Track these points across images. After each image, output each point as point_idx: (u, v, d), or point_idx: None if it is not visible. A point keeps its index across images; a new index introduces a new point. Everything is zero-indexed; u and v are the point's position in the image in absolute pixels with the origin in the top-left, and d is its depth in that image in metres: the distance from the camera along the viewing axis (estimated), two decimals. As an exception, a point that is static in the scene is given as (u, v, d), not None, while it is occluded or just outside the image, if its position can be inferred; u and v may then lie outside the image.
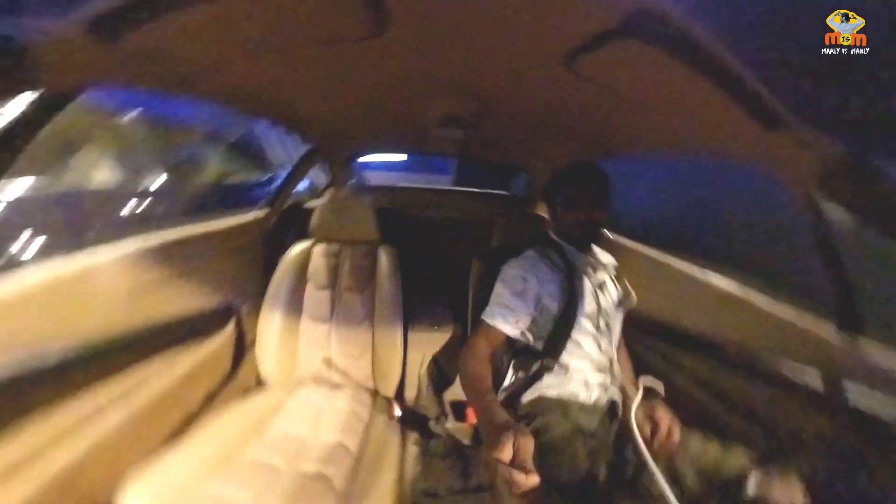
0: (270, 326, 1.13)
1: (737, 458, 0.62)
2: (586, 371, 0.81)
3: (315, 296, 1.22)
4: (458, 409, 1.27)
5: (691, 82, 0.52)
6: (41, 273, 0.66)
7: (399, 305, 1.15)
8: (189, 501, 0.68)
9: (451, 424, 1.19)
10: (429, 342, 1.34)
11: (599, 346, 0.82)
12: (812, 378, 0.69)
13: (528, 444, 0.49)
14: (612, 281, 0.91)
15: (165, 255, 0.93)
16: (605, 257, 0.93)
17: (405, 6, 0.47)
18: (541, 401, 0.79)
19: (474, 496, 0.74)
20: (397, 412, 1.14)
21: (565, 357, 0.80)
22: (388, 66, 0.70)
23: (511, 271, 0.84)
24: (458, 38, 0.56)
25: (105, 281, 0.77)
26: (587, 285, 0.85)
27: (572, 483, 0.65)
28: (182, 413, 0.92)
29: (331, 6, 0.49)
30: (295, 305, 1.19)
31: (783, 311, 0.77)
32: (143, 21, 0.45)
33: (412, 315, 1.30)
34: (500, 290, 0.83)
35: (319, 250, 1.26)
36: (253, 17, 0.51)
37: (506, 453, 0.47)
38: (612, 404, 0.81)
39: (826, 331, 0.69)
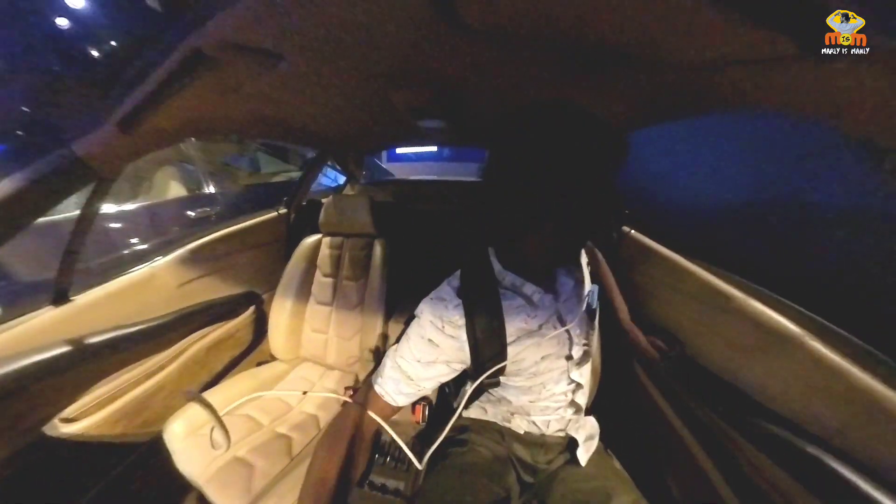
0: (282, 309, 1.32)
1: None
2: (531, 409, 0.69)
3: (321, 282, 1.38)
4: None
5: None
6: (124, 276, 0.99)
7: (383, 295, 1.24)
8: (201, 433, 0.93)
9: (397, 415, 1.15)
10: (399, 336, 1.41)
11: (553, 386, 0.67)
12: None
13: None
14: (581, 286, 0.67)
15: (203, 253, 1.21)
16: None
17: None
18: (477, 422, 0.76)
19: (385, 498, 0.70)
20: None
21: (502, 392, 0.68)
22: (355, 71, 0.73)
23: (419, 324, 0.61)
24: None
25: (163, 278, 1.08)
26: (536, 327, 0.61)
27: None
28: (211, 373, 1.22)
29: None
30: (304, 291, 1.36)
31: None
32: (150, 111, 0.64)
33: (399, 305, 1.38)
34: (402, 349, 0.62)
35: (326, 242, 1.41)
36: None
37: None
38: (570, 442, 0.71)
39: None
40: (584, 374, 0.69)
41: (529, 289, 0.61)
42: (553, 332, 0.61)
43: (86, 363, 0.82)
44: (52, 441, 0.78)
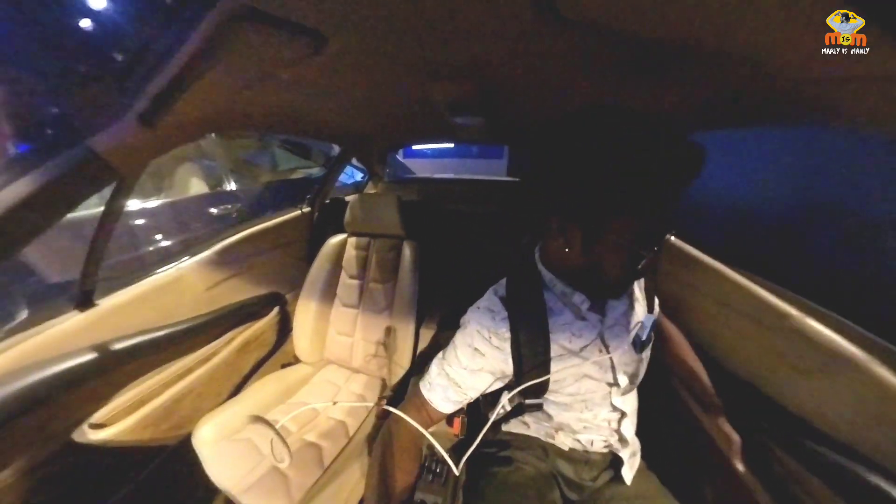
0: (306, 311, 1.28)
1: None
2: (574, 426, 0.65)
3: (347, 283, 1.33)
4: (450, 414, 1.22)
5: None
6: (150, 279, 0.95)
7: (415, 300, 1.19)
8: (233, 438, 0.92)
9: (434, 428, 1.11)
10: (437, 341, 1.35)
11: (596, 408, 0.63)
12: None
13: None
14: (631, 312, 0.63)
15: (229, 254, 1.17)
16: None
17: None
18: (518, 437, 0.72)
19: None
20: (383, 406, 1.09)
21: (544, 407, 0.65)
22: (397, 59, 0.68)
23: (466, 333, 0.60)
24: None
25: (190, 281, 1.05)
26: (578, 348, 0.58)
27: None
28: (238, 376, 1.18)
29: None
30: (329, 293, 1.32)
31: None
32: (173, 100, 0.59)
33: (430, 310, 1.32)
34: (449, 356, 0.61)
35: (352, 242, 1.36)
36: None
37: None
38: (614, 458, 0.68)
39: None
40: (628, 402, 0.65)
41: (578, 298, 0.57)
42: (596, 356, 0.59)
43: (113, 368, 0.79)
44: (82, 447, 0.76)
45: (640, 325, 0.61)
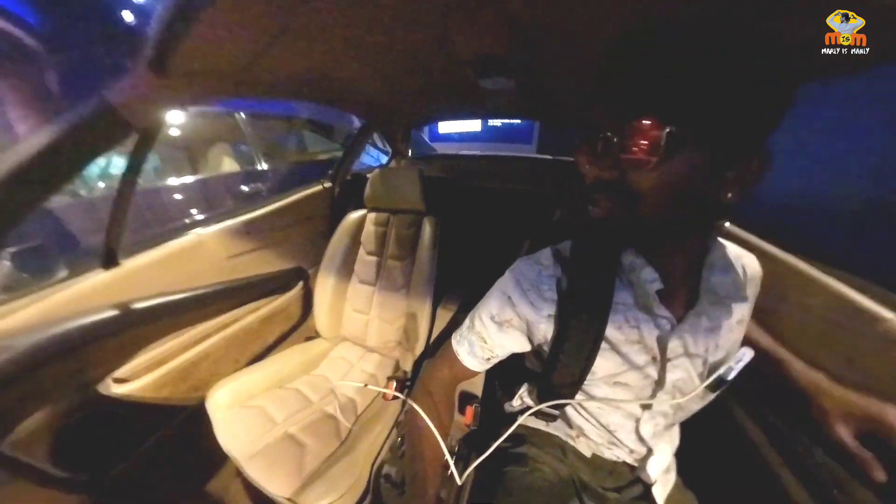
0: (325, 286, 1.27)
1: None
2: (597, 440, 0.57)
3: (364, 260, 1.30)
4: (463, 401, 1.17)
5: None
6: (172, 242, 0.97)
7: (432, 278, 1.13)
8: (247, 405, 0.93)
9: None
10: (456, 322, 1.30)
11: (619, 425, 0.53)
12: None
13: None
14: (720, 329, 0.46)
15: (252, 226, 1.19)
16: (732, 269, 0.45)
17: None
18: (537, 433, 0.64)
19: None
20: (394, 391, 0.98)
21: (570, 413, 0.56)
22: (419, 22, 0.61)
23: (504, 280, 0.52)
24: None
25: (211, 247, 1.06)
26: (628, 341, 0.46)
27: None
28: (259, 346, 1.20)
29: None
30: (346, 269, 1.30)
31: None
32: (181, 41, 0.53)
33: (449, 291, 1.25)
34: (480, 305, 0.54)
35: (371, 218, 1.32)
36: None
37: None
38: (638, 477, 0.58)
39: None
40: (660, 438, 0.54)
41: (649, 274, 0.42)
42: (642, 357, 0.46)
43: (136, 326, 0.80)
44: (106, 399, 0.79)
45: (727, 362, 0.44)
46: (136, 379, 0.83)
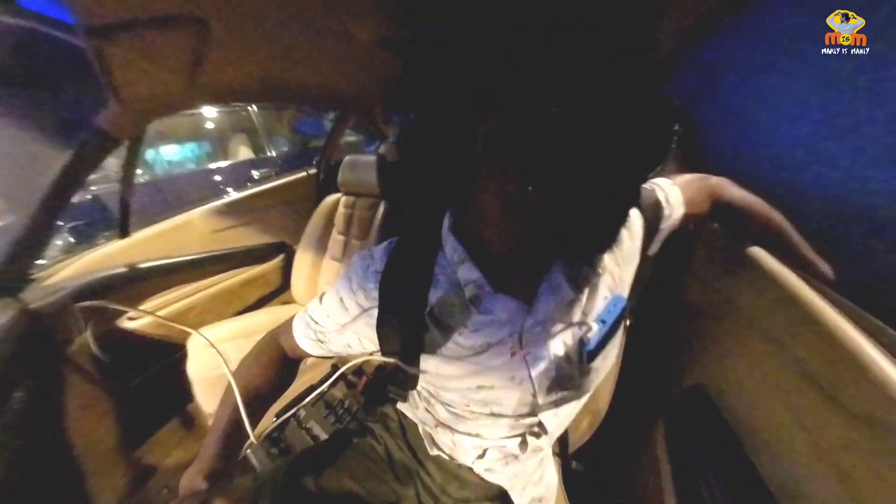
0: (303, 261, 1.49)
1: None
2: (456, 430, 0.50)
3: (335, 239, 1.49)
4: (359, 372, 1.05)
5: None
6: (168, 220, 1.24)
7: None
8: (220, 348, 1.12)
9: (337, 390, 0.94)
10: None
11: (498, 420, 0.46)
12: None
13: None
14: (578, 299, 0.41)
15: (236, 207, 1.44)
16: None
17: None
18: (403, 417, 0.61)
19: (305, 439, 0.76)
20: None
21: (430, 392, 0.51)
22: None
23: (340, 279, 0.47)
24: None
25: (197, 224, 1.32)
26: (470, 349, 0.41)
27: None
28: (240, 304, 1.48)
29: None
30: (321, 246, 1.50)
31: None
32: (118, 71, 0.64)
33: None
34: (319, 304, 0.50)
35: (343, 201, 1.50)
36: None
37: None
38: (505, 495, 0.53)
39: None
40: (560, 417, 0.47)
41: (470, 272, 0.39)
42: (499, 359, 0.40)
43: (142, 281, 1.08)
44: (123, 330, 1.09)
45: (586, 324, 0.40)
46: (142, 319, 1.12)
